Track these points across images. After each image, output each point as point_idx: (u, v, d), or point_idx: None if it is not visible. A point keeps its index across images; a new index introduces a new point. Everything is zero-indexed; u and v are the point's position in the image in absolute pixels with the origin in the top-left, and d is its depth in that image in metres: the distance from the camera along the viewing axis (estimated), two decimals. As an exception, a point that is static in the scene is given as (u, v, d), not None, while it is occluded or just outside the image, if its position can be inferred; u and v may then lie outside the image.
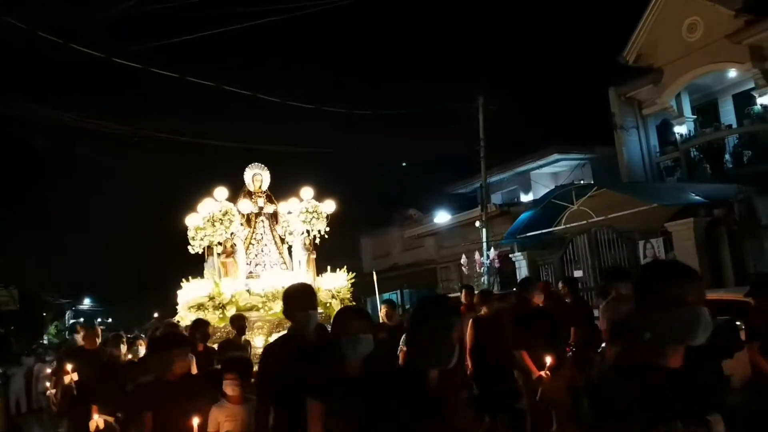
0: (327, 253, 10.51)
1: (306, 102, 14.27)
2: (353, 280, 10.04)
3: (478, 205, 18.49)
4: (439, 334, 2.45)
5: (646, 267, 2.53)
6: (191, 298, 9.14)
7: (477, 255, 16.04)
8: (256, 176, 10.31)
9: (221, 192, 9.66)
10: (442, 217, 21.51)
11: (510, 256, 16.20)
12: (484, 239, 16.61)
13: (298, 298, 3.89)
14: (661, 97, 18.66)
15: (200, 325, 7.09)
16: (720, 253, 11.61)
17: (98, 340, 7.44)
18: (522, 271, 15.45)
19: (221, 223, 9.38)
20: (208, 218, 9.40)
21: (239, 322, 7.49)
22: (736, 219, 11.74)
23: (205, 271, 9.78)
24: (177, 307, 9.65)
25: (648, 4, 18.48)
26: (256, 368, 4.39)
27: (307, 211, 9.89)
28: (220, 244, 9.53)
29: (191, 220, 9.78)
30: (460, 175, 23.79)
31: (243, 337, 7.54)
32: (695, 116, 19.10)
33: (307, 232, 9.94)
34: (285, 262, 10.19)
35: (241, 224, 9.89)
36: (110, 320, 41.47)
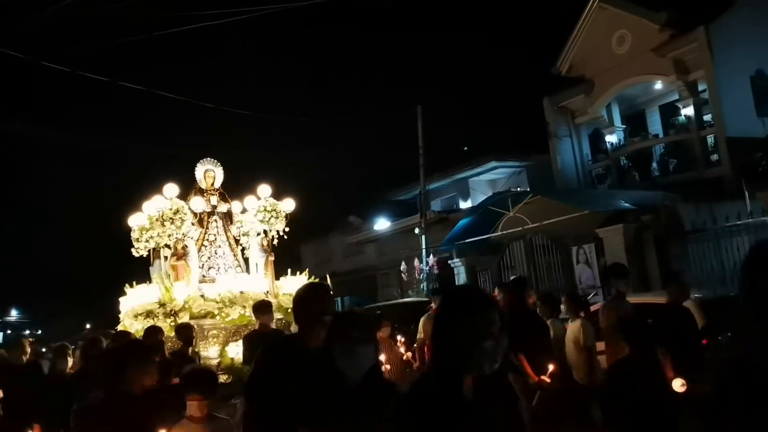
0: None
1: (243, 108, 14.04)
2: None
3: (417, 212, 18.67)
4: (478, 330, 2.02)
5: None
6: (138, 305, 8.37)
7: (416, 261, 16.18)
8: (209, 172, 9.54)
9: (171, 189, 8.87)
10: (382, 224, 21.60)
11: (449, 262, 16.41)
12: (423, 246, 16.77)
13: (316, 303, 3.28)
14: (592, 106, 19.32)
15: (153, 332, 6.36)
16: (647, 257, 12.07)
17: (25, 355, 6.82)
18: (460, 277, 15.67)
19: (172, 223, 8.58)
20: (157, 217, 8.62)
21: (186, 333, 6.71)
22: (662, 225, 12.24)
23: (153, 276, 8.95)
24: (120, 315, 8.90)
25: (579, 17, 19.11)
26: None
27: (266, 210, 9.05)
28: (168, 246, 8.79)
29: (135, 220, 8.98)
30: (400, 181, 23.97)
31: (190, 348, 6.82)
32: (624, 126, 19.85)
33: (264, 232, 9.19)
34: (240, 265, 9.51)
35: (193, 224, 9.09)
36: (39, 332, 39.78)
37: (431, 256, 16.39)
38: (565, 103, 20.02)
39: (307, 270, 9.42)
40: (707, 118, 17.13)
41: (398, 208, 23.62)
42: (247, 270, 9.41)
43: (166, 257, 8.84)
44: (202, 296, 8.36)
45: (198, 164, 9.57)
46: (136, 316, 8.15)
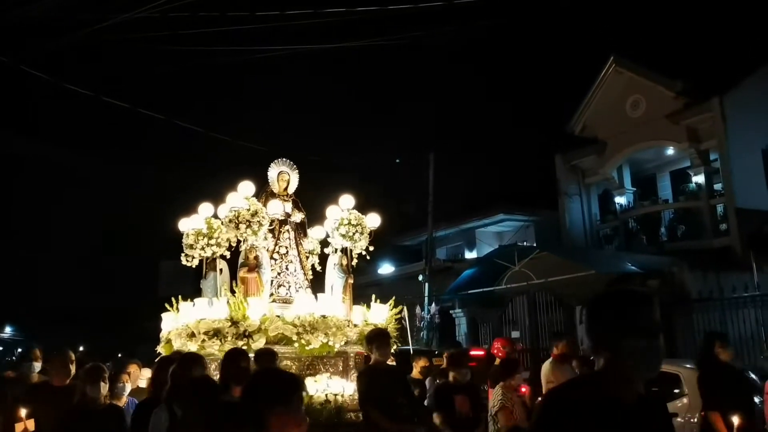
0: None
1: (258, 144, 14.18)
2: (398, 316, 8.00)
3: (422, 259, 18.61)
4: (626, 324, 1.92)
5: (608, 294, 2.19)
6: (195, 323, 6.88)
7: (417, 309, 16.08)
8: (283, 175, 8.30)
9: (247, 187, 7.67)
10: (386, 269, 21.54)
11: (450, 312, 16.29)
12: (426, 293, 16.68)
13: None
14: (603, 167, 19.41)
15: (238, 358, 4.77)
16: (651, 323, 11.94)
17: (71, 372, 5.34)
18: (461, 327, 15.55)
19: (248, 227, 7.29)
20: (231, 217, 7.35)
21: (269, 361, 5.45)
22: (668, 291, 12.16)
23: (205, 291, 7.64)
24: (162, 334, 7.61)
25: (595, 79, 19.37)
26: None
27: (350, 223, 7.78)
28: (224, 257, 7.66)
29: (189, 224, 7.74)
30: (406, 227, 23.98)
31: None
32: (635, 188, 19.91)
33: (343, 250, 7.86)
34: (310, 286, 8.18)
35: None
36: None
37: (433, 304, 16.29)
38: (576, 162, 20.14)
39: (393, 299, 8.02)
40: (717, 187, 17.17)
41: (402, 254, 23.59)
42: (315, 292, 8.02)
43: (221, 270, 7.72)
44: (279, 317, 6.99)
45: (272, 164, 8.37)
46: (191, 336, 6.80)
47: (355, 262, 7.91)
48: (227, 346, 6.27)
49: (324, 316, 6.95)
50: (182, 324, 7.08)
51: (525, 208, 21.89)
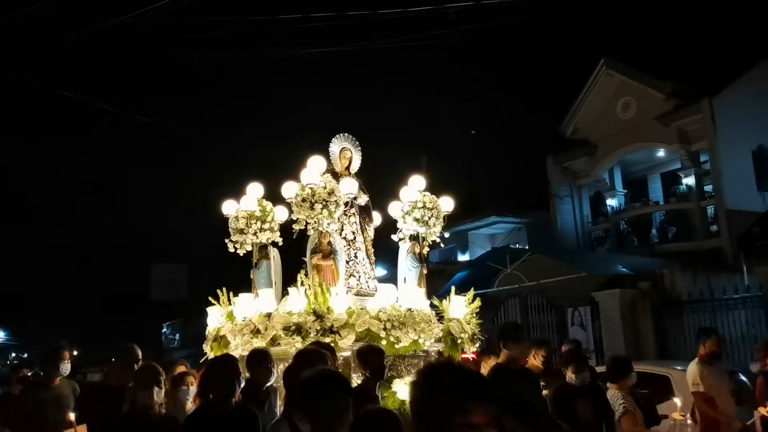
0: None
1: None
2: (478, 309, 6.84)
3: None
4: None
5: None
6: (266, 315, 5.99)
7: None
8: (345, 152, 7.35)
9: (318, 162, 6.67)
10: (379, 272, 21.52)
11: (443, 314, 16.30)
12: (419, 296, 16.67)
13: None
14: (594, 169, 19.50)
15: (373, 354, 4.49)
16: (641, 325, 12.01)
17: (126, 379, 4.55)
18: (454, 330, 15.56)
19: (324, 207, 6.33)
20: (306, 196, 6.36)
21: (376, 360, 4.75)
22: (659, 293, 12.21)
23: (258, 282, 6.78)
24: (209, 331, 6.68)
25: (586, 81, 19.46)
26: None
27: (425, 206, 6.92)
28: (275, 244, 6.81)
29: (233, 206, 6.89)
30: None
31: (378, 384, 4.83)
32: (626, 190, 20.00)
33: (415, 237, 6.97)
34: (375, 276, 7.39)
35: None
36: (25, 355, 39.18)
37: (426, 307, 16.29)
38: (568, 164, 20.22)
39: (471, 290, 7.17)
40: (708, 188, 17.28)
41: (395, 256, 23.57)
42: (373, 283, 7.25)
43: (260, 257, 6.85)
44: (364, 310, 6.09)
45: (334, 139, 7.43)
46: (255, 333, 5.93)
47: (426, 250, 7.02)
48: (307, 344, 5.33)
49: (410, 310, 6.10)
50: (242, 319, 6.14)
51: (517, 210, 21.95)
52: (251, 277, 6.84)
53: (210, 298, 6.70)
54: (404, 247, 6.98)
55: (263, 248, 6.84)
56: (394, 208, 7.11)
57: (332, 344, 5.41)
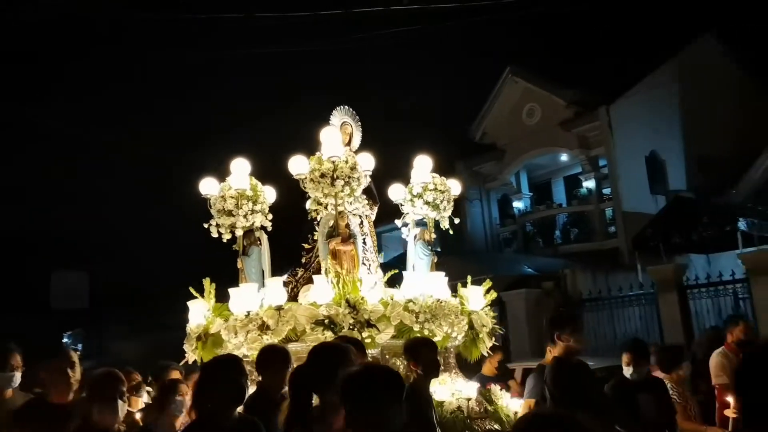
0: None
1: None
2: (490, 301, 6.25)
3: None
4: None
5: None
6: (291, 307, 5.23)
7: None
8: (346, 126, 6.72)
9: (333, 133, 6.05)
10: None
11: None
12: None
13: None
14: (502, 173, 20.16)
15: (424, 346, 4.18)
16: (546, 323, 12.49)
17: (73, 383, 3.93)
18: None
19: (346, 184, 5.63)
20: (326, 170, 5.62)
21: (430, 356, 4.22)
22: (562, 292, 12.78)
23: (248, 272, 6.01)
24: (190, 329, 5.76)
25: (494, 87, 20.09)
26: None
27: (436, 188, 6.36)
28: (264, 228, 6.07)
29: (214, 185, 6.04)
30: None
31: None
32: (531, 193, 20.80)
33: (422, 223, 6.46)
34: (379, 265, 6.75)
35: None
36: None
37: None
38: (477, 167, 20.78)
39: (489, 279, 6.42)
40: (606, 191, 18.22)
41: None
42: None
43: (249, 243, 6.05)
44: (392, 300, 5.48)
45: (334, 112, 6.76)
46: (263, 328, 5.13)
47: (433, 236, 6.49)
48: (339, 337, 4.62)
49: (440, 301, 5.54)
50: (241, 313, 5.30)
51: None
52: (238, 266, 6.05)
53: (192, 290, 5.87)
54: (413, 233, 6.42)
55: (250, 233, 6.02)
56: (395, 191, 6.56)
57: (368, 339, 4.96)
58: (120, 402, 3.30)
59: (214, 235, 5.95)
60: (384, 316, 5.21)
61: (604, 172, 18.17)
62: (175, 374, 5.06)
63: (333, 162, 5.70)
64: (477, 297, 6.03)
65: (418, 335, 5.04)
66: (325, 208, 5.92)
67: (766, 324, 9.71)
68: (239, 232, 5.94)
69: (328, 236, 5.85)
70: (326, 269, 5.64)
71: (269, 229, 6.16)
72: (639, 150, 17.41)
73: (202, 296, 5.83)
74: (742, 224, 12.25)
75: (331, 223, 5.89)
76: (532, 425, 1.72)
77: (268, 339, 5.04)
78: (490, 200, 21.04)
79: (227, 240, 6.00)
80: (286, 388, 3.29)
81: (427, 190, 6.30)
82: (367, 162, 6.05)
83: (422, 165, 6.45)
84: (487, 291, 6.17)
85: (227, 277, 6.01)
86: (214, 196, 5.98)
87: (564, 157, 19.60)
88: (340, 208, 5.81)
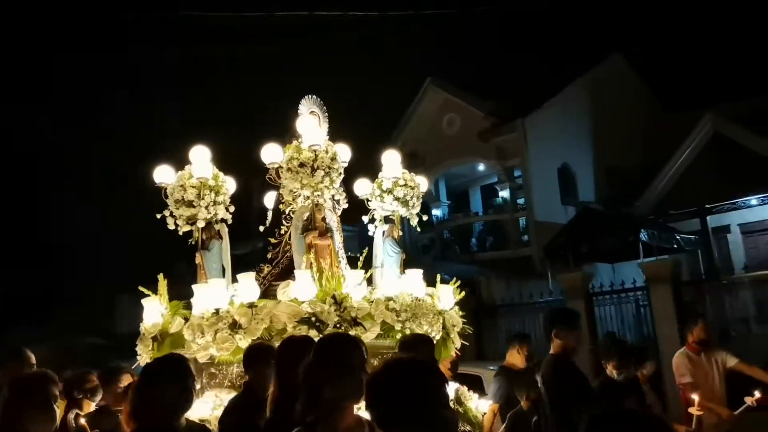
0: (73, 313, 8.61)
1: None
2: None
3: (251, 269, 18.23)
4: None
5: None
6: (266, 305, 4.85)
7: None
8: (313, 116, 6.33)
9: (312, 121, 5.82)
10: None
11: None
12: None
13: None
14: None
15: (423, 344, 4.08)
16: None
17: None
18: (284, 339, 15.49)
19: (327, 175, 5.40)
20: (306, 160, 5.33)
21: (429, 350, 4.24)
22: (477, 299, 13.07)
23: (209, 267, 5.58)
24: (145, 329, 5.32)
25: (414, 96, 20.40)
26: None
27: (406, 185, 6.16)
28: (225, 221, 5.65)
29: (169, 174, 5.62)
30: (241, 236, 23.39)
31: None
32: (449, 201, 21.21)
33: (389, 219, 6.22)
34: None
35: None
36: None
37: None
38: (398, 175, 20.97)
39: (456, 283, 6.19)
40: (521, 201, 18.82)
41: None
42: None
43: (208, 236, 5.61)
44: (368, 299, 5.18)
45: (303, 101, 6.31)
46: (234, 327, 4.76)
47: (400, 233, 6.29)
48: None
49: (418, 299, 5.37)
50: (207, 310, 4.89)
51: (350, 218, 22.34)
52: (197, 261, 5.62)
53: (142, 288, 5.42)
54: (380, 230, 6.20)
55: (210, 226, 5.59)
56: (361, 187, 6.35)
57: (358, 336, 4.48)
58: (49, 410, 2.90)
59: (171, 227, 5.54)
60: (369, 314, 4.97)
61: (519, 183, 18.75)
62: (127, 379, 4.64)
63: (314, 151, 5.39)
64: (448, 296, 5.88)
65: (400, 334, 4.92)
66: (294, 200, 5.66)
67: (664, 329, 10.27)
68: (200, 224, 5.52)
69: (304, 230, 5.54)
70: (301, 265, 5.33)
71: (230, 221, 5.75)
72: (552, 162, 18.09)
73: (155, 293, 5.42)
74: (643, 235, 12.94)
75: (306, 216, 5.57)
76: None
77: (241, 339, 4.70)
78: (409, 207, 21.29)
79: (183, 233, 5.59)
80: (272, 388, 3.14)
81: (397, 185, 6.10)
82: (343, 153, 5.79)
83: (392, 160, 6.19)
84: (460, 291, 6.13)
85: (153, 281, 5.68)
86: (171, 185, 5.55)
87: (481, 167, 20.11)
88: (318, 200, 5.51)
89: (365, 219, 6.34)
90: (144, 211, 5.71)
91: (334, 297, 4.88)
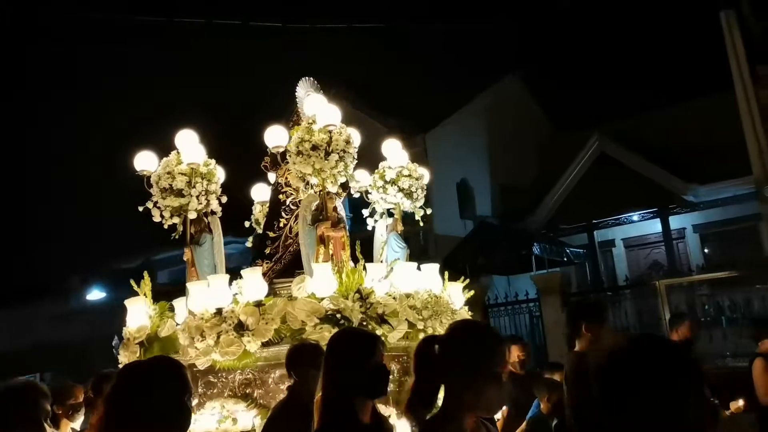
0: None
1: None
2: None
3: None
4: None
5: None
6: (280, 302, 4.42)
7: (116, 338, 15.10)
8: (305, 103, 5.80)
9: (322, 100, 5.28)
10: (96, 294, 19.92)
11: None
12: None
13: None
14: (325, 193, 20.42)
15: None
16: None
17: None
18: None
19: (340, 159, 4.94)
20: (319, 142, 4.85)
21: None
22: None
23: (200, 263, 5.10)
24: (129, 333, 4.88)
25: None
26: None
27: (410, 176, 5.88)
28: (214, 212, 5.20)
29: (151, 160, 5.14)
30: (128, 247, 22.46)
31: None
32: (351, 214, 21.21)
33: (389, 213, 5.86)
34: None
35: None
36: None
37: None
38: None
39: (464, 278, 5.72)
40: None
41: (119, 278, 22.01)
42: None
43: (197, 230, 5.09)
44: (390, 295, 4.72)
45: (300, 82, 5.84)
46: (240, 328, 4.24)
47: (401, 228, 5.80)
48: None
49: (437, 296, 4.99)
50: (207, 310, 4.41)
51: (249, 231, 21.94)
52: (185, 258, 5.13)
53: (134, 284, 4.90)
54: (382, 224, 5.89)
55: (199, 219, 5.09)
56: (359, 178, 5.99)
57: (385, 335, 4.21)
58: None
59: (156, 219, 5.04)
60: (395, 311, 4.52)
61: (420, 197, 19.09)
62: (79, 394, 4.08)
63: (329, 132, 4.92)
64: (458, 294, 5.49)
65: (422, 334, 4.45)
66: (298, 189, 5.14)
67: (554, 339, 10.79)
68: (192, 216, 5.03)
69: (314, 221, 5.05)
70: (311, 258, 4.87)
71: (220, 214, 5.28)
72: (451, 177, 18.60)
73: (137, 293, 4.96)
74: (536, 249, 13.56)
75: (314, 205, 5.11)
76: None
77: (249, 341, 4.25)
78: (312, 220, 21.20)
79: (168, 226, 5.10)
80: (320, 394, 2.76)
81: (402, 176, 5.75)
82: (355, 137, 5.33)
83: (395, 148, 5.81)
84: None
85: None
86: (155, 173, 5.05)
87: (384, 181, 20.33)
88: (332, 188, 5.06)
89: (366, 212, 5.93)
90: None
91: (359, 291, 4.42)
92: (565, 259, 14.96)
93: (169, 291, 16.73)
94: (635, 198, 15.46)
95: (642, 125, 16.76)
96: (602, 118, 17.94)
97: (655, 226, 16.21)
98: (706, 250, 16.29)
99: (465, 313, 5.41)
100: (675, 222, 15.98)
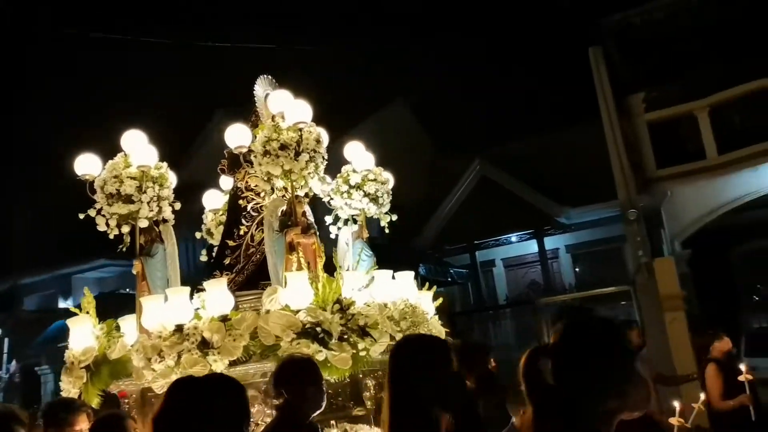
0: None
1: None
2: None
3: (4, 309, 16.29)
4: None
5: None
6: (215, 319, 3.98)
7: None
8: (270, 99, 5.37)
9: (288, 96, 4.86)
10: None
11: (36, 369, 14.51)
12: (6, 349, 14.58)
13: None
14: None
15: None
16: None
17: None
18: (48, 386, 13.97)
19: (311, 160, 4.57)
20: (288, 141, 4.48)
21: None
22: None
23: (152, 276, 4.64)
24: (72, 356, 4.39)
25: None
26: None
27: (376, 180, 5.54)
28: (165, 220, 4.72)
29: (93, 164, 4.63)
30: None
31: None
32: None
33: (353, 220, 5.50)
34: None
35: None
36: None
37: (14, 362, 14.32)
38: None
39: (428, 285, 5.55)
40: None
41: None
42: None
43: (148, 240, 4.63)
44: (369, 305, 4.38)
45: (258, 80, 5.42)
46: (203, 347, 3.86)
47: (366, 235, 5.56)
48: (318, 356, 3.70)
49: (413, 306, 4.75)
50: (164, 327, 3.97)
51: (131, 253, 20.95)
52: (135, 271, 4.68)
53: (71, 307, 4.50)
54: (346, 232, 5.49)
55: (150, 228, 4.62)
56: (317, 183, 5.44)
57: (363, 352, 3.93)
58: None
59: (102, 228, 4.55)
60: (376, 322, 4.19)
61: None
62: (83, 421, 3.38)
63: (299, 130, 4.56)
64: (429, 303, 5.30)
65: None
66: (262, 194, 4.80)
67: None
68: (142, 224, 4.57)
69: (283, 227, 4.65)
70: (280, 268, 4.49)
71: (173, 222, 4.80)
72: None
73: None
74: (422, 269, 13.88)
75: (281, 210, 4.74)
76: None
77: (215, 360, 3.82)
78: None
79: (114, 236, 4.60)
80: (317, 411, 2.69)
81: (367, 180, 5.43)
82: (325, 137, 5.04)
83: (358, 151, 5.55)
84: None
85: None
86: (100, 177, 4.55)
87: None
88: (301, 191, 4.72)
89: (329, 219, 5.62)
90: None
91: (339, 302, 4.11)
92: (449, 279, 15.39)
93: (41, 318, 15.67)
94: (514, 219, 16.20)
95: (520, 151, 17.65)
96: (483, 144, 18.72)
97: (531, 246, 17.06)
98: (577, 269, 17.34)
99: (436, 323, 5.23)
100: (549, 243, 16.90)
